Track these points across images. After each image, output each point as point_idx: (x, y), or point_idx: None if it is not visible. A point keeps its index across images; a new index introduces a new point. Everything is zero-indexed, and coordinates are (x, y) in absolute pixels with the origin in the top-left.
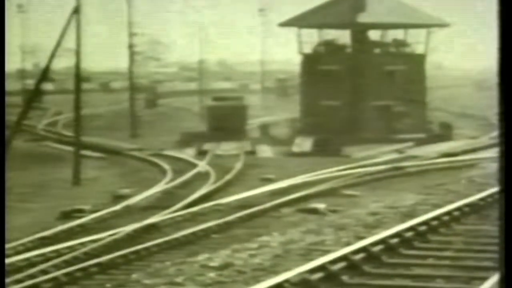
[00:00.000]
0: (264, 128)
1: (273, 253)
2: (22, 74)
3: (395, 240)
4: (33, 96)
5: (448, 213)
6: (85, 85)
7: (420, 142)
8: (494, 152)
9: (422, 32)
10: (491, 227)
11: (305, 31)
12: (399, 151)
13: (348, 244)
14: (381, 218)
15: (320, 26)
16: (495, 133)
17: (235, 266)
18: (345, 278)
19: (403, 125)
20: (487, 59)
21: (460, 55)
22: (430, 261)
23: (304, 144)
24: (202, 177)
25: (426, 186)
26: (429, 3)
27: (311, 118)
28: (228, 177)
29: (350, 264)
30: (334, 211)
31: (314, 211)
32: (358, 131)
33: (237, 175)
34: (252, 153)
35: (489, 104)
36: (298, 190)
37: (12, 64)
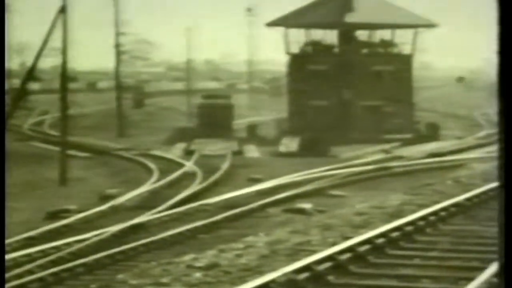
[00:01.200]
0: (251, 128)
1: (259, 253)
2: (8, 73)
3: (381, 240)
4: (19, 96)
5: (435, 213)
6: (72, 85)
7: (407, 142)
8: (480, 153)
9: (409, 32)
10: (478, 227)
11: (293, 31)
12: (386, 151)
13: (334, 244)
14: (368, 218)
15: (308, 26)
16: (482, 133)
17: (221, 267)
18: (331, 278)
19: (391, 125)
20: (475, 59)
21: (447, 55)
22: (417, 261)
23: (291, 144)
24: (189, 177)
25: (412, 186)
26: (418, 4)
27: (298, 118)
28: (215, 177)
29: (336, 264)
30: (320, 211)
31: (301, 211)
32: (346, 131)
33: (224, 175)
34: (239, 153)
35: (476, 104)
36: (285, 190)
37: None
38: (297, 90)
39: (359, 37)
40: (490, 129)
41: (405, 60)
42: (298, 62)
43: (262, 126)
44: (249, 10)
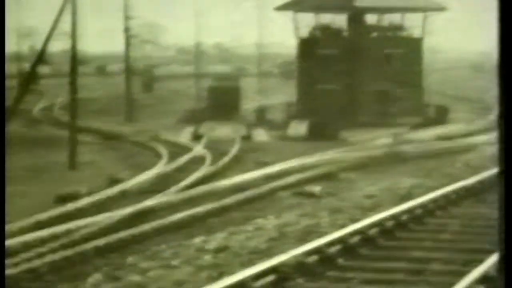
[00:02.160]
0: (260, 111)
1: (269, 236)
2: (18, 56)
3: (391, 223)
4: (29, 79)
5: (445, 196)
6: (82, 69)
7: (416, 126)
8: (490, 135)
9: (419, 16)
10: (488, 210)
11: (302, 15)
12: (395, 134)
13: (343, 226)
14: (378, 201)
15: (317, 10)
16: (493, 115)
17: (231, 249)
18: (340, 260)
19: (400, 108)
20: (484, 42)
21: (454, 38)
22: (427, 244)
23: (300, 128)
24: (199, 160)
25: (423, 169)
26: None
27: (307, 101)
28: (224, 160)
29: (346, 246)
30: (330, 194)
31: (310, 195)
32: (355, 115)
33: (233, 158)
34: (248, 137)
35: (485, 86)
36: (294, 173)
37: (7, 46)
38: (306, 74)
39: (368, 21)
40: None
41: (415, 44)
42: (307, 46)
43: (270, 110)
44: None
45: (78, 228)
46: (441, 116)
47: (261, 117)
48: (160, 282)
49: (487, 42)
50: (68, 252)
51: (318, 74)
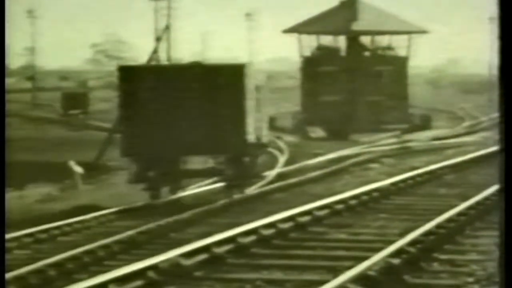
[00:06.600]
0: (272, 120)
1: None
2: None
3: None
4: None
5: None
6: (64, 83)
7: (406, 131)
8: (468, 138)
9: (405, 37)
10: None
11: (305, 37)
12: (397, 136)
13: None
14: (415, 166)
15: (319, 33)
16: (466, 123)
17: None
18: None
19: (390, 117)
20: (438, 58)
21: (413, 55)
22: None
23: (316, 131)
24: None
25: (427, 156)
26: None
27: (311, 111)
28: (286, 155)
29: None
30: (386, 167)
31: (372, 168)
32: (353, 122)
33: (292, 152)
34: (278, 138)
35: (448, 100)
36: (350, 158)
37: None
38: (309, 88)
39: (363, 42)
40: (471, 121)
41: (401, 62)
42: (310, 63)
43: (279, 118)
44: (248, 15)
45: None
46: (425, 123)
47: (273, 124)
48: None
49: (441, 59)
50: None
51: (319, 88)
